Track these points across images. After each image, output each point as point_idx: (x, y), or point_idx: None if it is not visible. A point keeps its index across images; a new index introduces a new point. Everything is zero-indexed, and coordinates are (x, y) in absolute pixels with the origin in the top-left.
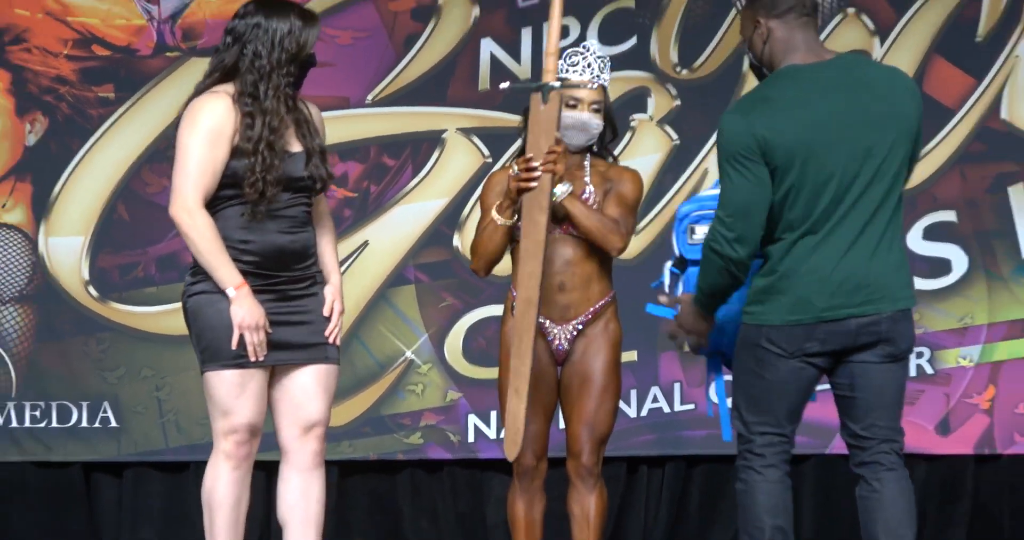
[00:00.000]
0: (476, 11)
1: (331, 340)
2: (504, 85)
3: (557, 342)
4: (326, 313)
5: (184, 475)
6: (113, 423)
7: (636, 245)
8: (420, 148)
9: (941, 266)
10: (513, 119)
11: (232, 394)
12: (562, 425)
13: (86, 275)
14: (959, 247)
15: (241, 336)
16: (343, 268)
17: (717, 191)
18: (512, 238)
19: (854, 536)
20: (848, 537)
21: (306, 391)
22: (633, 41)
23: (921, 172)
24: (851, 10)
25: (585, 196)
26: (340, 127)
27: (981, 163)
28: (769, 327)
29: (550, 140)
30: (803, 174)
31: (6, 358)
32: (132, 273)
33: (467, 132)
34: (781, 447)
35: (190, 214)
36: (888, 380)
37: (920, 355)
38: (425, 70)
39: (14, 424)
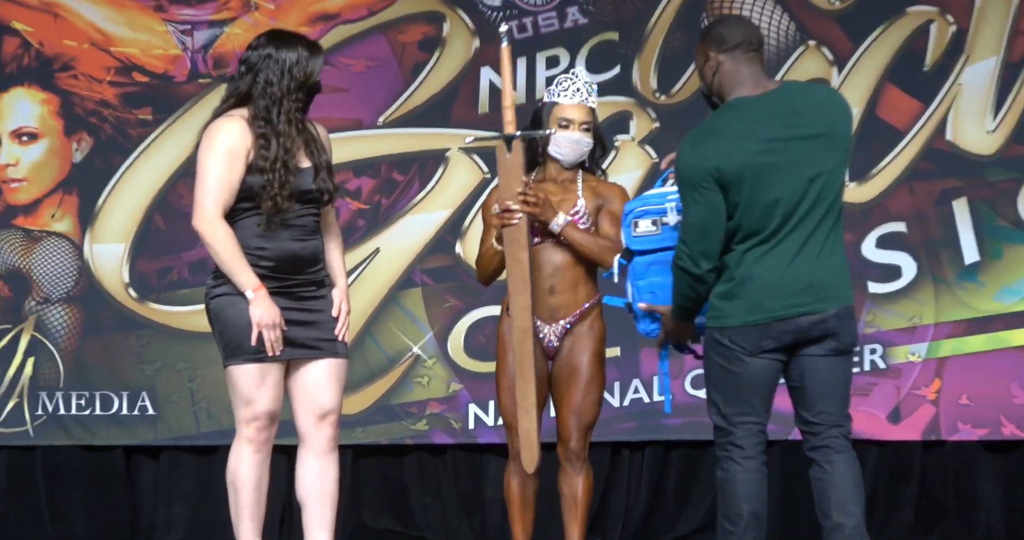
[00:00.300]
0: (476, 43)
1: (340, 337)
2: (468, 140)
3: (548, 339)
4: (334, 314)
5: (214, 457)
6: (150, 411)
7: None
8: (426, 165)
9: (892, 272)
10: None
11: (253, 385)
12: (553, 413)
13: (126, 278)
14: (908, 255)
15: (260, 333)
16: (357, 273)
17: (658, 190)
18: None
19: (814, 515)
20: (809, 516)
21: (319, 383)
22: (617, 70)
23: (874, 188)
24: (812, 42)
25: (576, 209)
26: (354, 146)
27: (928, 180)
28: (730, 329)
29: (520, 183)
30: (753, 195)
31: (55, 352)
32: (167, 276)
33: (468, 151)
34: (759, 438)
35: (211, 225)
36: (834, 372)
37: (873, 351)
38: (431, 95)
39: (62, 412)
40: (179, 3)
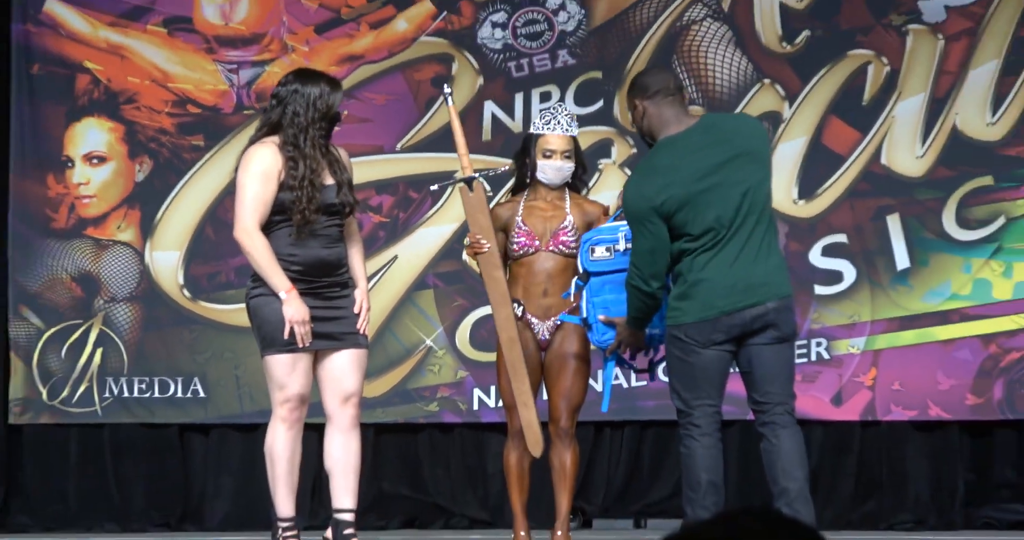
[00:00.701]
0: (481, 80)
1: (361, 330)
2: (434, 187)
3: (541, 333)
4: (356, 311)
5: (256, 434)
6: (201, 394)
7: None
8: None
9: (835, 276)
10: (508, 162)
11: (285, 372)
12: (545, 397)
13: (181, 280)
14: (849, 262)
15: (291, 328)
16: (378, 277)
17: (610, 224)
18: (505, 259)
19: (767, 485)
20: (763, 486)
21: (343, 370)
22: (600, 103)
23: (820, 204)
24: (767, 80)
25: (565, 224)
26: (376, 168)
27: (866, 198)
28: (686, 325)
29: (486, 217)
30: (693, 216)
31: (120, 344)
32: (216, 279)
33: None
34: (715, 418)
35: (249, 236)
36: (778, 358)
37: (819, 344)
38: (441, 125)
39: (125, 394)
40: (227, 46)
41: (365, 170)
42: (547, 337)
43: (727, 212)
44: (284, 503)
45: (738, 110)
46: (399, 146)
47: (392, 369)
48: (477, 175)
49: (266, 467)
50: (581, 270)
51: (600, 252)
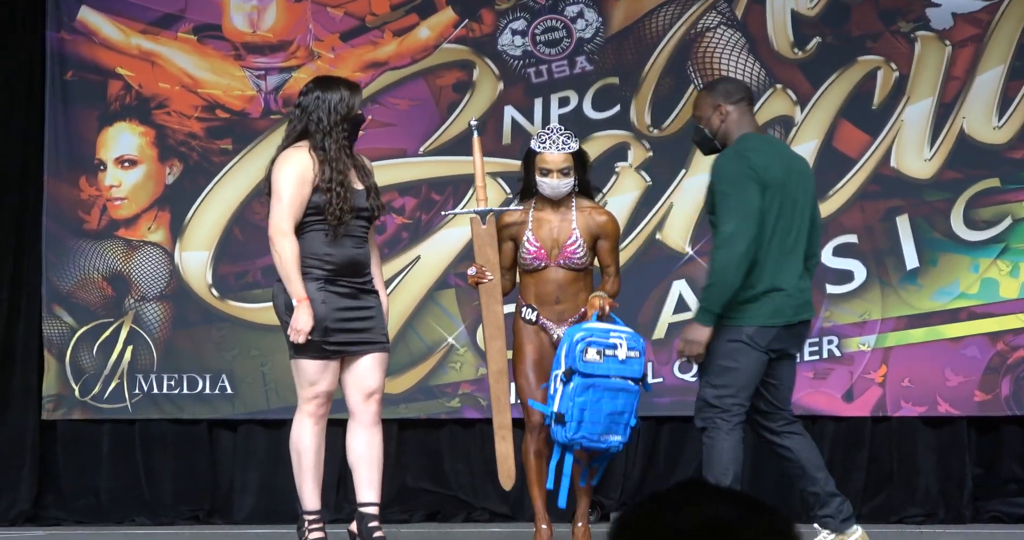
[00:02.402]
0: (501, 86)
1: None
2: (445, 213)
3: (556, 336)
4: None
5: (282, 430)
6: (229, 390)
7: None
8: (459, 187)
9: (846, 276)
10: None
11: (317, 371)
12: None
13: (210, 280)
14: (859, 262)
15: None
16: (401, 276)
17: (602, 325)
18: (516, 267)
19: (776, 472)
20: (773, 473)
21: (367, 369)
22: (617, 108)
23: (832, 206)
24: (779, 85)
25: (572, 239)
26: (399, 171)
27: (876, 199)
28: (750, 327)
29: (495, 251)
30: (779, 205)
31: (149, 341)
32: (244, 279)
33: (493, 175)
34: (743, 417)
35: (283, 235)
36: (794, 371)
37: (831, 342)
38: (463, 129)
39: (155, 391)
40: (255, 53)
41: (389, 173)
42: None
43: (800, 225)
44: (310, 496)
45: None
46: (421, 150)
47: (415, 366)
48: (492, 210)
49: (291, 462)
50: (565, 367)
51: (592, 354)
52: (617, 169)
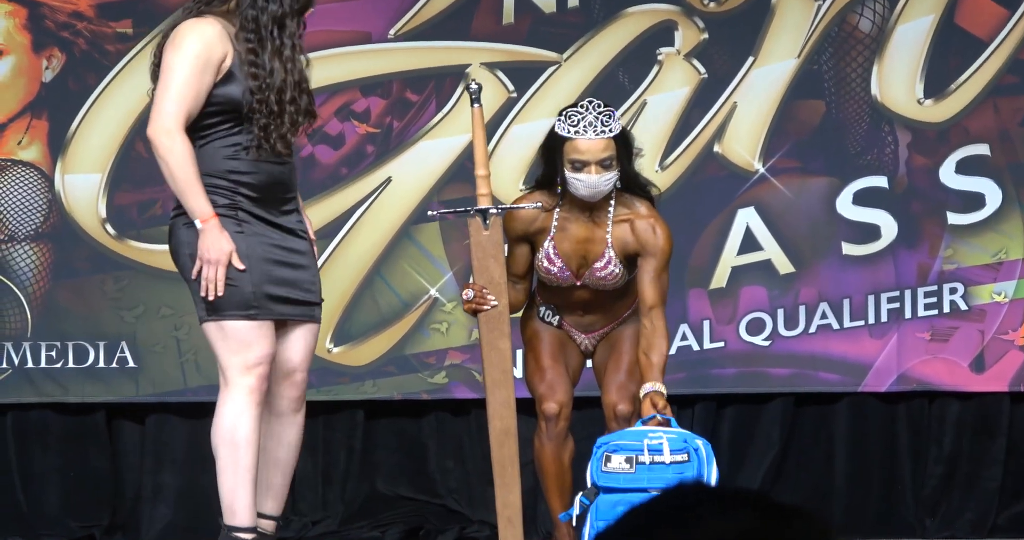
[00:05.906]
0: None
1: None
2: (432, 212)
3: (584, 346)
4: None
5: (206, 420)
6: (131, 363)
7: (663, 182)
8: (443, 83)
9: (974, 200)
10: (538, 53)
11: (251, 329)
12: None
13: (103, 213)
14: (992, 181)
15: (200, 267)
16: (365, 206)
17: (638, 428)
18: (531, 275)
19: (882, 469)
20: (878, 469)
21: (293, 339)
22: None
23: (953, 105)
24: None
25: (604, 261)
26: (361, 62)
27: (1014, 96)
28: None
29: (500, 266)
30: None
31: (21, 298)
32: (150, 210)
33: (491, 67)
34: None
35: (170, 136)
36: None
37: (954, 291)
38: (448, 3)
39: (30, 365)
40: None
41: (347, 64)
42: (590, 348)
43: None
44: (245, 508)
45: None
46: (392, 33)
47: (385, 329)
48: (496, 208)
49: (220, 460)
50: (589, 484)
51: (618, 462)
52: (660, 57)
